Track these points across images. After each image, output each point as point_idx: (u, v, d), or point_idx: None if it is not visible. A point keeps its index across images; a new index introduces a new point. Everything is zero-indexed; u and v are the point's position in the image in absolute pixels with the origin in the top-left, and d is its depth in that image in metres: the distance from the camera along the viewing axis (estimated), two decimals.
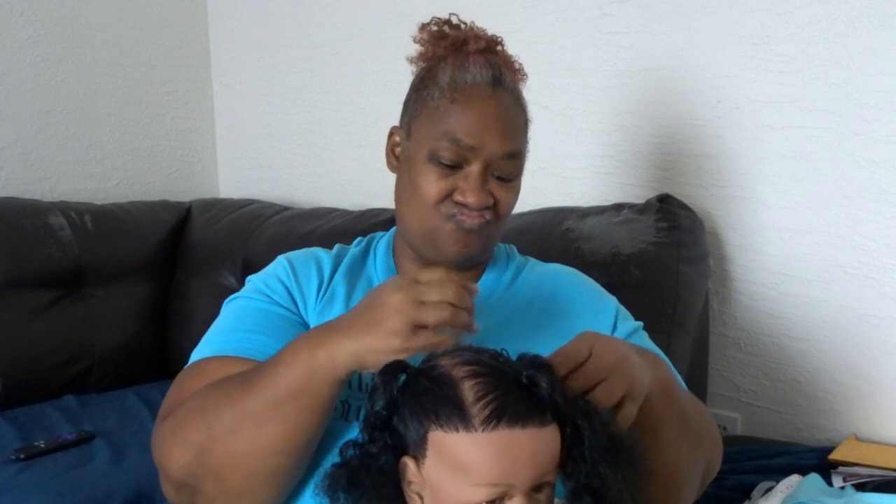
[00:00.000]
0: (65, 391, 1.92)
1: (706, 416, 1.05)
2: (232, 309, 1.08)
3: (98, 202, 2.20)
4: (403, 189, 1.06)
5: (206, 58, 2.55)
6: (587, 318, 1.06)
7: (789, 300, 1.59)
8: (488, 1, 1.83)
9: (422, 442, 0.73)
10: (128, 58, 2.35)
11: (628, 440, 0.79)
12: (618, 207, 1.61)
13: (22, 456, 1.55)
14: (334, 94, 2.27)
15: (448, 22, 1.06)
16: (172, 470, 0.93)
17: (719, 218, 1.65)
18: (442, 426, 0.71)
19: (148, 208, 2.24)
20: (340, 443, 0.81)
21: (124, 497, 1.45)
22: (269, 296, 1.06)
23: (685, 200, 1.61)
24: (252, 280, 1.11)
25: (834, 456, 1.38)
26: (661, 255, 1.51)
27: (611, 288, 1.16)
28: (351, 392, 0.97)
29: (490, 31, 1.06)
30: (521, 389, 0.72)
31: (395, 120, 1.11)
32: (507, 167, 1.02)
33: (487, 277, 1.11)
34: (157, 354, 2.12)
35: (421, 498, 0.75)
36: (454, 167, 1.00)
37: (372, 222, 1.88)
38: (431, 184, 1.01)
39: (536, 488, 0.72)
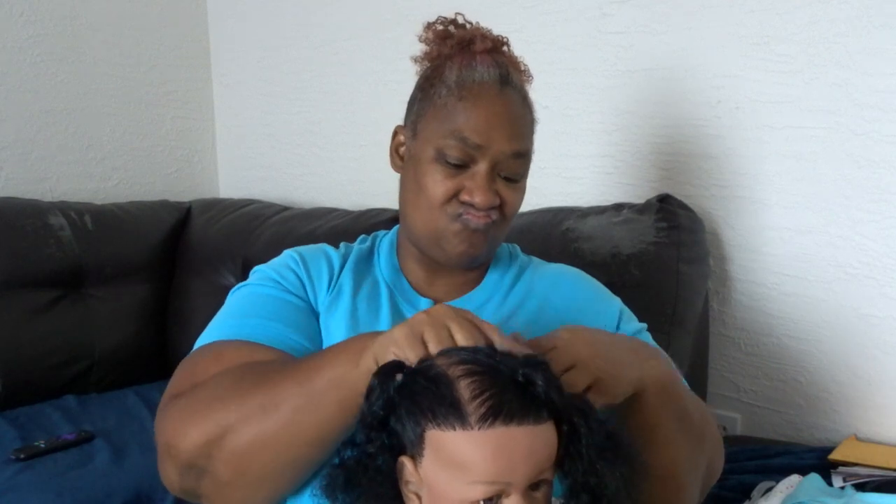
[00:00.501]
0: (65, 391, 1.92)
1: (708, 416, 1.04)
2: (241, 296, 1.07)
3: (98, 202, 2.20)
4: (408, 189, 1.06)
5: (206, 58, 2.55)
6: (589, 318, 1.06)
7: (789, 300, 1.59)
8: (488, 1, 1.83)
9: (419, 441, 0.73)
10: (128, 58, 2.36)
11: (625, 438, 0.78)
12: (618, 207, 1.61)
13: (22, 456, 1.55)
14: (334, 94, 2.27)
15: (454, 21, 1.05)
16: (183, 450, 0.91)
17: (719, 218, 1.65)
18: (438, 425, 0.71)
19: (148, 208, 2.25)
20: None
21: (124, 497, 1.45)
22: (280, 283, 1.06)
23: (685, 200, 1.61)
24: (261, 269, 1.10)
25: (834, 456, 1.38)
26: (661, 255, 1.51)
27: (611, 288, 1.16)
28: None
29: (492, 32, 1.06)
30: (517, 387, 0.72)
31: (394, 120, 1.11)
32: (514, 167, 1.01)
33: (490, 277, 1.11)
34: (157, 354, 2.12)
35: (419, 497, 0.75)
36: (461, 166, 1.00)
37: (372, 222, 1.88)
38: (438, 184, 1.00)
39: (533, 486, 0.72)
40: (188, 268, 2.17)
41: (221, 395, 0.90)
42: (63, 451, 1.59)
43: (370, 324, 1.04)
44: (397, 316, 1.06)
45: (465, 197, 1.00)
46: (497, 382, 0.72)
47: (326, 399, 0.84)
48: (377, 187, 2.12)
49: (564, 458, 0.74)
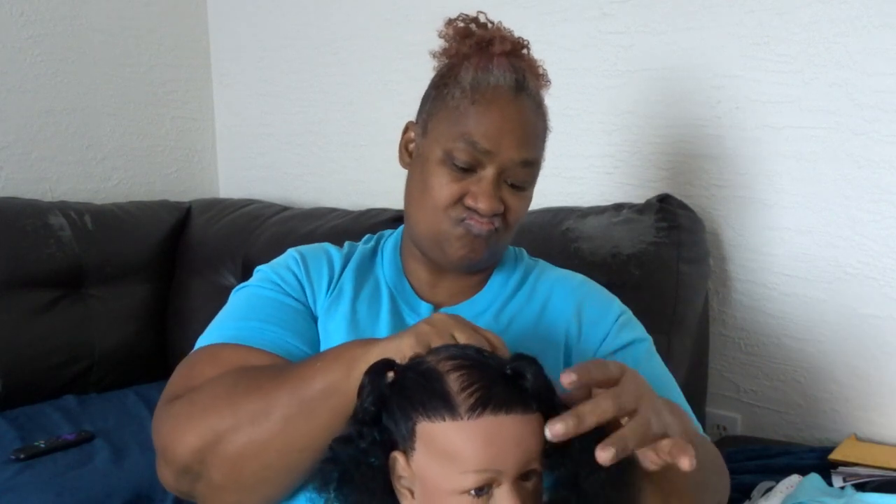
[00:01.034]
0: (65, 391, 1.92)
1: (720, 467, 0.99)
2: (242, 297, 1.07)
3: (98, 202, 2.20)
4: (414, 187, 1.05)
5: (206, 58, 2.55)
6: (585, 326, 1.05)
7: (789, 300, 1.59)
8: (489, 1, 1.83)
9: (410, 435, 0.74)
10: (128, 58, 2.36)
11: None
12: (618, 207, 1.61)
13: (22, 456, 1.55)
14: (334, 94, 2.27)
15: (475, 20, 1.04)
16: (179, 454, 0.91)
17: (719, 218, 1.65)
18: (429, 417, 0.73)
19: (148, 208, 2.24)
20: None
21: (124, 497, 1.45)
22: (280, 286, 1.06)
23: (685, 200, 1.61)
24: (262, 270, 1.09)
25: (834, 456, 1.38)
26: (661, 255, 1.51)
27: (611, 288, 1.15)
28: None
29: None
30: (505, 380, 0.74)
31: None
32: (521, 175, 1.00)
33: (495, 280, 1.10)
34: (157, 354, 2.12)
35: (411, 492, 0.75)
36: (468, 170, 0.99)
37: (372, 222, 1.88)
38: (443, 186, 0.99)
39: (524, 476, 0.73)
40: (188, 268, 2.17)
41: (215, 401, 0.90)
42: (63, 451, 1.59)
43: (370, 328, 1.04)
44: (397, 320, 1.05)
45: (469, 201, 0.99)
46: (486, 375, 0.74)
47: (319, 407, 0.84)
48: (377, 187, 2.12)
49: (551, 451, 0.74)
